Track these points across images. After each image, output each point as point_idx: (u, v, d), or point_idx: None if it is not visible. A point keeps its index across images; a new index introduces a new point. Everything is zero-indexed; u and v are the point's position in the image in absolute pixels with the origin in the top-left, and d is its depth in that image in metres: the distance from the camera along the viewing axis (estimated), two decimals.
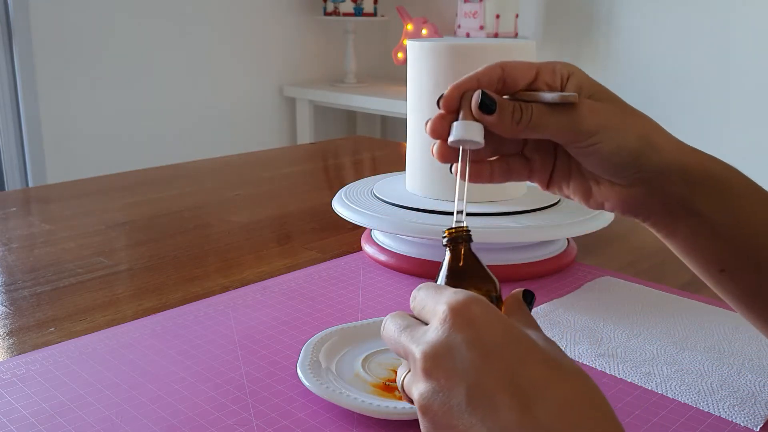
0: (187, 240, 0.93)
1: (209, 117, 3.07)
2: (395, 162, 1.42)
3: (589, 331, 0.64)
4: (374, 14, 3.25)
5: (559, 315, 0.68)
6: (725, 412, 0.52)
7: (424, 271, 0.77)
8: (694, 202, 0.46)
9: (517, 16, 2.83)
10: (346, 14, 3.18)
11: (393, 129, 3.62)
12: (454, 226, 0.43)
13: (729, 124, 2.55)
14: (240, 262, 0.84)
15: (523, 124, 0.44)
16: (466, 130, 0.44)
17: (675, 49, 2.63)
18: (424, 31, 2.94)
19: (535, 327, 0.38)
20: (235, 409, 0.52)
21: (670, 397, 0.54)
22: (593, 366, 0.58)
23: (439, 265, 0.43)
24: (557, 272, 0.79)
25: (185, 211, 1.08)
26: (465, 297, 0.36)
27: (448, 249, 0.43)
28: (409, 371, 0.37)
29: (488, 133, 0.45)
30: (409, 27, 2.98)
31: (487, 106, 0.44)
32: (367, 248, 0.84)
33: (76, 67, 2.65)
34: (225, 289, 0.76)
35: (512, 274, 0.76)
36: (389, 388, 0.54)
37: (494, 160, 0.49)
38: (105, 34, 2.71)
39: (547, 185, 0.50)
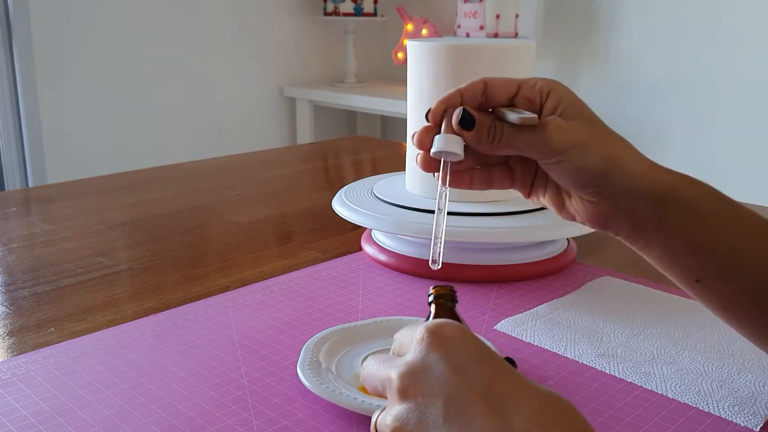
0: (187, 240, 0.93)
1: (209, 117, 3.07)
2: (395, 162, 1.42)
3: (589, 331, 0.64)
4: (374, 14, 3.25)
5: (559, 315, 0.68)
6: (725, 412, 0.52)
7: (424, 271, 0.77)
8: (662, 220, 0.47)
9: (517, 16, 2.83)
10: (346, 14, 3.18)
11: (393, 129, 3.62)
12: (438, 286, 0.47)
13: (728, 123, 2.55)
14: (240, 262, 0.84)
15: (497, 141, 0.47)
16: (446, 143, 0.47)
17: (675, 48, 2.63)
18: (424, 31, 2.94)
19: None
20: (235, 409, 0.52)
21: (670, 397, 0.54)
22: (593, 366, 0.58)
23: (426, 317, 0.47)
24: (557, 272, 0.79)
25: (185, 211, 1.08)
26: (443, 320, 0.37)
27: (433, 305, 0.46)
28: (384, 410, 0.37)
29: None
30: (409, 27, 2.98)
31: (467, 122, 0.47)
32: (367, 248, 0.84)
33: (76, 67, 2.65)
34: (225, 289, 0.76)
35: (512, 274, 0.76)
36: None
37: (477, 169, 0.52)
38: (105, 34, 2.71)
39: (528, 194, 0.53)
